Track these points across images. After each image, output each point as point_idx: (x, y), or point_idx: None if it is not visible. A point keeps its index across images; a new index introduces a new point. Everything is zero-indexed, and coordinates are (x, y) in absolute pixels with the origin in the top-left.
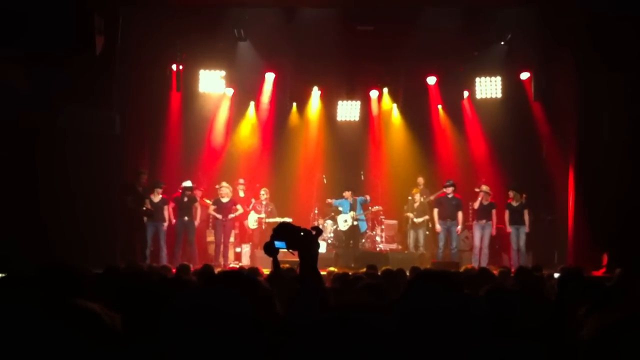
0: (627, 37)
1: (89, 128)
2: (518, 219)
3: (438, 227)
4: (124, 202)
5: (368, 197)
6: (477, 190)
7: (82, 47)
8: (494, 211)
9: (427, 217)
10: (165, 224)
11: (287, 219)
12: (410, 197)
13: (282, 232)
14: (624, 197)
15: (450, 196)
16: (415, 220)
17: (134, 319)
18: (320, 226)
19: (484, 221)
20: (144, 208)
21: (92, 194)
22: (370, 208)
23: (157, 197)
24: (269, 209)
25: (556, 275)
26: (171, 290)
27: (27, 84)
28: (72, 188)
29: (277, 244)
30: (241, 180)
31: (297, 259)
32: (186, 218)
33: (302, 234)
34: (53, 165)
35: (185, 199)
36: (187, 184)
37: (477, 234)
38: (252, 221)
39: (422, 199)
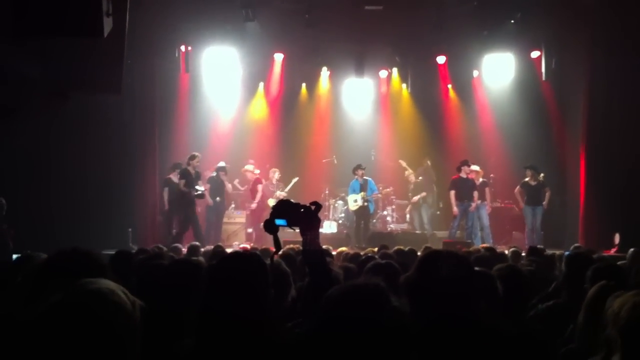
0: (638, 18)
1: (97, 113)
2: (535, 198)
3: (455, 209)
4: (177, 186)
5: (381, 189)
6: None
7: (90, 31)
8: (487, 189)
9: (423, 193)
10: None
11: (295, 179)
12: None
13: (282, 209)
14: (635, 177)
15: (464, 177)
16: (414, 198)
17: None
18: (332, 207)
19: (479, 201)
20: (197, 191)
21: (103, 178)
22: (380, 188)
23: (177, 178)
24: (280, 188)
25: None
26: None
27: (37, 71)
28: (84, 173)
29: (278, 221)
30: (251, 161)
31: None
32: (218, 199)
33: (302, 210)
34: (64, 151)
35: (220, 180)
36: (221, 164)
37: (474, 214)
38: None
39: (416, 179)
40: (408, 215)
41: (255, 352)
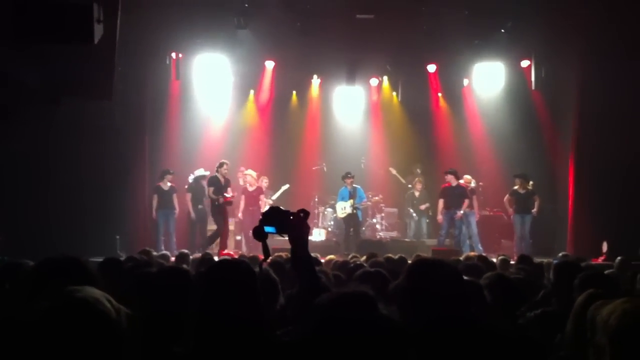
0: (629, 25)
1: (88, 119)
2: (524, 207)
3: (440, 217)
4: (208, 193)
5: (370, 197)
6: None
7: (81, 37)
8: (474, 197)
9: (427, 204)
10: (176, 212)
11: (285, 186)
12: (411, 190)
13: (271, 216)
14: (624, 185)
15: (454, 185)
16: (421, 207)
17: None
18: (321, 214)
19: (467, 209)
20: (224, 198)
21: (91, 185)
22: (370, 196)
23: (166, 185)
24: (270, 195)
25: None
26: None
27: (29, 76)
28: (73, 179)
29: (267, 228)
30: (242, 169)
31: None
32: (200, 206)
33: (291, 217)
34: (53, 157)
35: (200, 187)
36: (201, 171)
37: (461, 222)
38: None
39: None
40: (412, 222)
41: (254, 352)
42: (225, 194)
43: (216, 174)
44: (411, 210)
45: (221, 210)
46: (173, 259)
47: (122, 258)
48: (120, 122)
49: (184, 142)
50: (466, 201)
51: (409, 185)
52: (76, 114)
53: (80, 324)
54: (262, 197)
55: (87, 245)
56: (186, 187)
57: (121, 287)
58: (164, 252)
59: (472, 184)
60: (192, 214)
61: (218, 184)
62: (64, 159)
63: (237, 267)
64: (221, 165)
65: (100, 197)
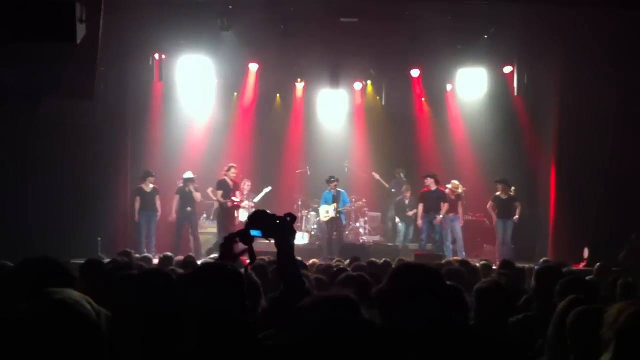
0: (609, 32)
1: (70, 119)
2: (506, 212)
3: (420, 221)
4: (215, 196)
5: (354, 201)
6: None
7: (63, 37)
8: (460, 203)
9: (415, 210)
10: (158, 214)
11: (267, 189)
12: (400, 197)
13: (257, 220)
14: (605, 191)
15: (433, 189)
16: (409, 213)
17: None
18: (304, 218)
19: (451, 215)
20: (232, 202)
21: (73, 186)
22: (353, 200)
23: (148, 187)
24: (252, 198)
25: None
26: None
27: (10, 76)
28: (54, 180)
29: (253, 232)
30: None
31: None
32: (189, 209)
33: (277, 221)
34: (35, 157)
35: (188, 190)
36: (189, 175)
37: (446, 227)
38: (243, 216)
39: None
40: (402, 227)
41: (241, 354)
42: (233, 198)
43: (225, 177)
44: (397, 219)
45: (229, 214)
46: (156, 260)
47: (105, 260)
48: (102, 122)
49: (167, 143)
50: (445, 205)
51: (392, 190)
52: (57, 114)
53: (59, 326)
54: (237, 194)
55: (68, 246)
56: (175, 190)
57: (102, 289)
58: (146, 254)
59: (460, 190)
60: (173, 215)
61: (227, 188)
62: (44, 159)
63: (223, 269)
64: (229, 169)
65: (81, 198)
